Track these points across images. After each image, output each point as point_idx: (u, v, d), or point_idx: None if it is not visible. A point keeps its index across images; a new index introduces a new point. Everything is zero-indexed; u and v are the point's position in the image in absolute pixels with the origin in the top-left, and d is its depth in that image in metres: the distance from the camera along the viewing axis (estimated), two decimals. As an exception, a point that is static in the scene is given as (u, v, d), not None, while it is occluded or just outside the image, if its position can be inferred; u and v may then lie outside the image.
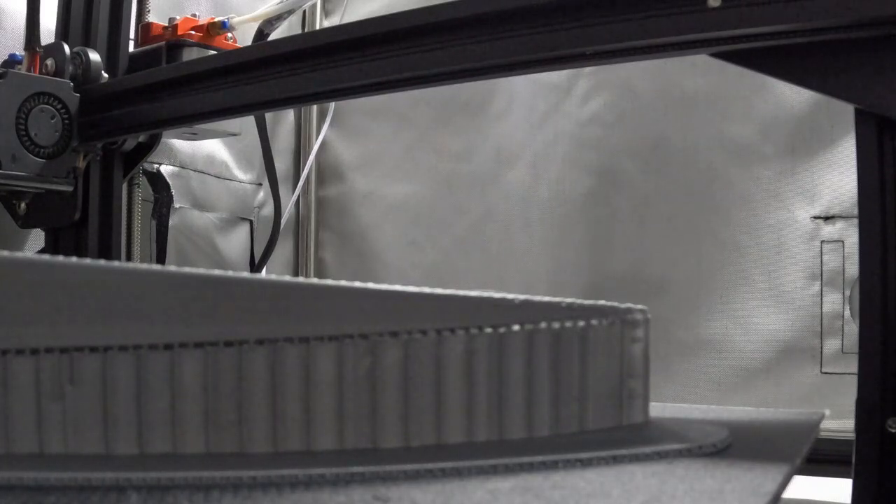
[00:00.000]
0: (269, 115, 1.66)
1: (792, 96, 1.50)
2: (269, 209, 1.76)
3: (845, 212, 1.47)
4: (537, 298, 0.61)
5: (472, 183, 1.81)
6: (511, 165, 1.77)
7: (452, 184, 1.83)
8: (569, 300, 0.61)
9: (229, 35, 1.41)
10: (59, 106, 1.29)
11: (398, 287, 0.59)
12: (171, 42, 1.37)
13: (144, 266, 0.58)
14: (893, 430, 0.74)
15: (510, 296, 0.60)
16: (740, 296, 1.55)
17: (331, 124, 1.90)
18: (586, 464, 0.56)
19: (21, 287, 0.56)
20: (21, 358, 0.56)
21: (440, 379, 0.59)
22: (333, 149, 1.95)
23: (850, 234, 1.46)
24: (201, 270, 0.58)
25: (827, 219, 1.49)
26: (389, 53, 0.99)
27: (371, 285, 0.59)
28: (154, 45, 1.39)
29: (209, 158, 1.69)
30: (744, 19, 0.77)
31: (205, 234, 1.68)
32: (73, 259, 0.57)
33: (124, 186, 1.44)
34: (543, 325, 0.60)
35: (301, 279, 0.66)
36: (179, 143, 1.60)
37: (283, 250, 1.91)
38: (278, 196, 1.62)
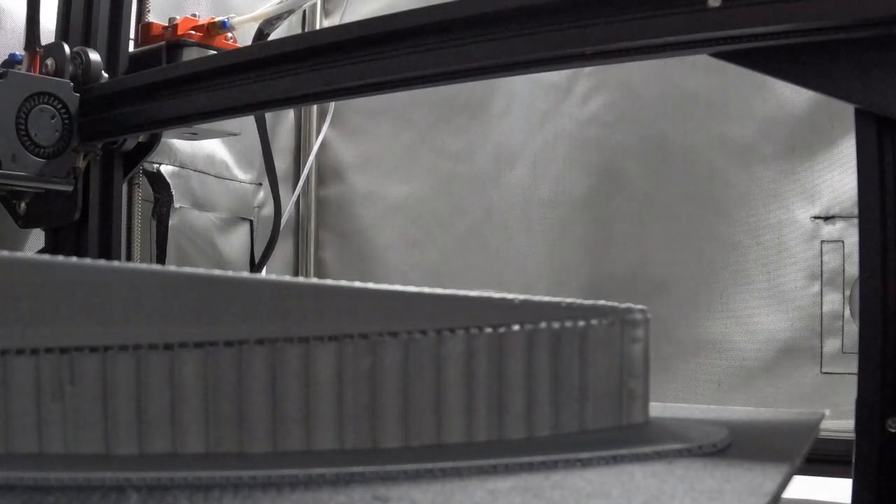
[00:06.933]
0: (269, 115, 1.66)
1: (792, 96, 1.50)
2: (269, 209, 1.76)
3: (845, 212, 1.47)
4: (537, 298, 0.61)
5: (472, 183, 1.81)
6: (511, 165, 1.77)
7: (452, 184, 1.83)
8: (569, 300, 0.61)
9: (229, 35, 1.41)
10: (59, 106, 1.28)
11: (398, 287, 0.59)
12: (171, 42, 1.37)
13: (144, 266, 0.58)
14: (893, 430, 0.74)
15: (510, 296, 0.60)
16: (740, 296, 1.54)
17: (331, 124, 1.90)
18: (586, 464, 0.56)
19: (21, 287, 0.56)
20: (21, 358, 0.56)
21: (440, 379, 0.59)
22: (333, 149, 1.95)
23: (850, 234, 1.46)
24: (201, 270, 0.58)
25: (827, 219, 1.49)
26: (389, 53, 0.99)
27: (371, 285, 0.59)
28: (154, 45, 1.39)
29: (209, 158, 1.69)
30: (744, 19, 0.77)
31: (205, 234, 1.68)
32: (73, 259, 0.57)
33: (124, 186, 1.44)
34: (543, 325, 0.60)
35: (301, 279, 0.66)
36: (179, 143, 1.60)
37: (283, 250, 1.91)
38: (278, 196, 1.62)
